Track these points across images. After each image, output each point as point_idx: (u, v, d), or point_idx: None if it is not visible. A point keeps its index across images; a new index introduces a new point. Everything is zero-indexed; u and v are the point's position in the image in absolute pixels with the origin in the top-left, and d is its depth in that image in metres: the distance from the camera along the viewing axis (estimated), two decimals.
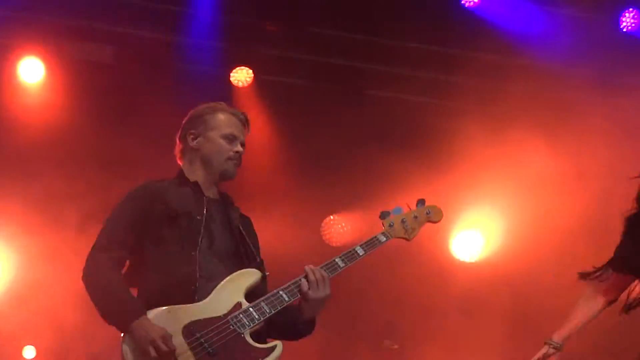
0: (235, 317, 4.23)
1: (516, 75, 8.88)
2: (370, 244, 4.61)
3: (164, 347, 4.09)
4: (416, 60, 9.03)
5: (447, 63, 9.02)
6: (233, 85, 8.80)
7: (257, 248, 4.66)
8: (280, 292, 4.33)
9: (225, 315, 4.22)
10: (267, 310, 4.27)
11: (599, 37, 8.90)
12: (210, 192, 4.61)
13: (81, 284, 4.36)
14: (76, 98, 8.34)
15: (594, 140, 8.81)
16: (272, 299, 4.30)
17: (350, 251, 4.53)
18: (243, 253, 4.52)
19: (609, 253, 9.27)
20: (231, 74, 8.80)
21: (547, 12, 8.95)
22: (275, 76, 8.84)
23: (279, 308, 4.30)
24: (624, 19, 9.06)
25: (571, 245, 8.78)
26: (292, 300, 4.35)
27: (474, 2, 8.80)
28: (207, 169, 4.60)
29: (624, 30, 9.07)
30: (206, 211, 4.48)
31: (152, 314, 4.20)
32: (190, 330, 4.16)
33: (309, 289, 4.33)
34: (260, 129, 8.67)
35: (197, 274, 4.27)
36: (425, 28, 8.54)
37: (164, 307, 4.21)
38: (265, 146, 8.71)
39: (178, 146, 4.70)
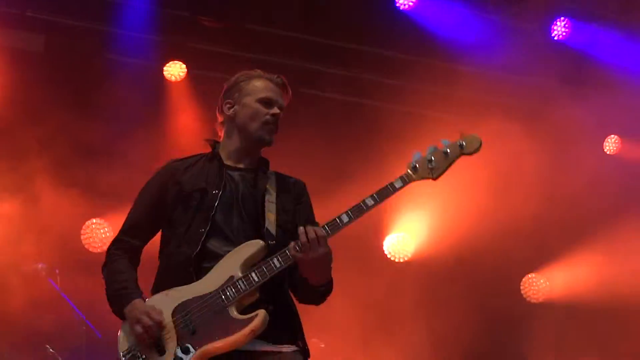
0: (222, 291, 4.08)
1: (452, 79, 9.00)
2: (383, 192, 4.18)
3: (147, 321, 4.05)
4: (352, 61, 9.08)
5: (382, 65, 9.09)
6: (166, 78, 8.72)
7: (289, 216, 4.36)
8: (273, 259, 4.10)
9: (215, 290, 4.08)
10: (256, 280, 4.06)
11: (532, 44, 9.03)
12: (245, 162, 4.40)
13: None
14: (6, 86, 8.19)
15: (527, 147, 9.00)
16: (263, 267, 4.08)
17: (358, 204, 4.17)
18: (260, 221, 4.29)
19: (536, 252, 9.65)
20: (164, 68, 8.73)
21: (482, 19, 9.03)
22: (210, 72, 8.76)
23: (270, 275, 4.06)
24: (555, 28, 9.21)
25: (502, 244, 9.01)
26: (286, 265, 4.07)
27: (409, 5, 8.85)
28: (243, 136, 4.38)
29: (555, 38, 9.22)
30: (226, 184, 4.30)
31: (151, 299, 4.19)
32: (178, 310, 4.10)
33: (298, 251, 4.04)
34: (192, 124, 8.64)
35: (194, 255, 4.16)
36: (359, 28, 8.57)
37: (163, 292, 4.18)
38: (197, 142, 8.63)
39: (218, 119, 4.49)
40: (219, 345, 4.02)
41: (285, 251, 4.09)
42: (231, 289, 4.07)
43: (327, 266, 4.13)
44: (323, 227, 4.11)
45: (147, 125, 8.49)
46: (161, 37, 8.69)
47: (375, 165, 8.35)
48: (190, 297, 4.11)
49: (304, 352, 4.28)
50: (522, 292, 9.94)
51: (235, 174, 4.36)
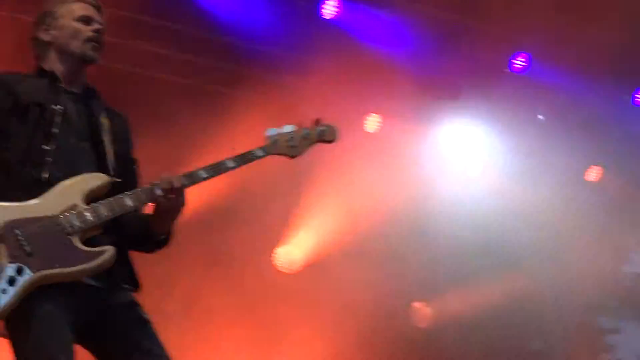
0: (66, 217, 3.94)
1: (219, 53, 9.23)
2: (244, 157, 4.24)
3: None
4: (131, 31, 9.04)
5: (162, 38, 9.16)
6: None
7: (124, 149, 4.33)
8: (124, 197, 4.01)
9: (56, 215, 3.94)
10: (105, 214, 3.97)
11: (300, 21, 9.31)
12: (74, 86, 4.31)
13: None
14: None
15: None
16: (113, 203, 3.99)
17: (218, 163, 4.18)
18: (101, 152, 4.22)
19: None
20: None
21: None
22: None
23: (119, 213, 3.99)
24: (325, 7, 9.44)
25: None
26: (137, 205, 4.04)
27: None
28: (66, 57, 4.29)
29: (324, 17, 9.45)
30: (63, 101, 4.17)
31: None
32: (10, 227, 3.89)
33: (161, 196, 4.03)
34: None
35: (41, 174, 4.01)
36: None
37: None
38: None
39: (34, 51, 4.35)
40: (60, 272, 3.88)
41: (138, 192, 4.06)
42: (77, 218, 3.96)
43: (177, 217, 4.17)
44: (183, 176, 4.13)
45: None
46: None
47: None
48: (24, 217, 3.94)
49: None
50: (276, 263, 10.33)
51: (71, 95, 4.29)
